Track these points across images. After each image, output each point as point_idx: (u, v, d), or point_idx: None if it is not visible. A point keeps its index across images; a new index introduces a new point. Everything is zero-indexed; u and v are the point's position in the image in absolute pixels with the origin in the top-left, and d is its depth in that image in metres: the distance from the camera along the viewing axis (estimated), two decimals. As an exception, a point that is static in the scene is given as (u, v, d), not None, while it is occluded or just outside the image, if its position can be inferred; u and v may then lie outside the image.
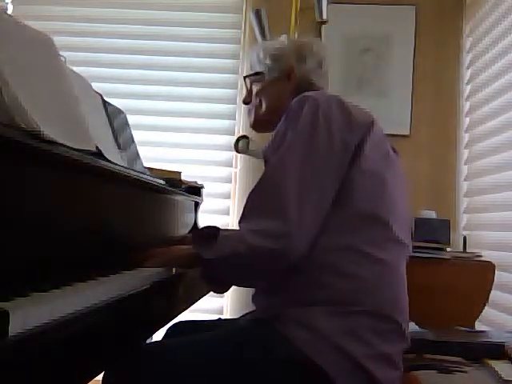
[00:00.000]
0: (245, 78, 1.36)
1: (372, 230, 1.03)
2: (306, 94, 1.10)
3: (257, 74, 1.32)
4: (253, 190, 1.05)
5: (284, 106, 1.16)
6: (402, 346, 1.04)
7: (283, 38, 1.35)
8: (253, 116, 1.33)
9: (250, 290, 1.16)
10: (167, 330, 1.36)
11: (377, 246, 1.03)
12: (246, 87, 1.36)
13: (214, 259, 1.01)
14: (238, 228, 1.04)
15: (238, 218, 1.05)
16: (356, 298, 0.99)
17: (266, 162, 1.19)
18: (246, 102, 1.35)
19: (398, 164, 1.14)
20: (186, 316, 1.36)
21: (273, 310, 1.03)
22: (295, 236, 0.97)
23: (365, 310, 0.98)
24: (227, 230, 1.09)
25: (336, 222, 1.02)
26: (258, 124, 1.34)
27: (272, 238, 0.96)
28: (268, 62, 1.29)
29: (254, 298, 1.13)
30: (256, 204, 1.04)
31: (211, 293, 1.61)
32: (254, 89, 1.33)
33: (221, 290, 1.16)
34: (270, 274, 1.03)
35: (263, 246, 0.96)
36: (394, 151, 1.16)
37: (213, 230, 1.05)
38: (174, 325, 1.35)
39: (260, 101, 1.31)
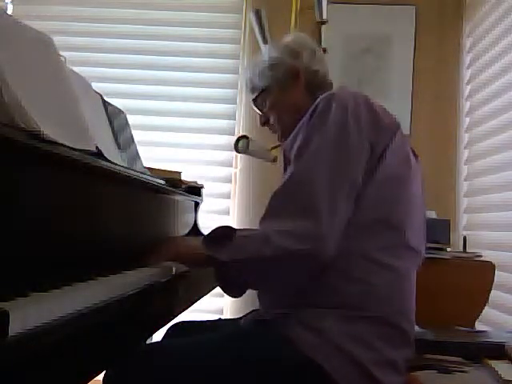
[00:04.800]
0: (253, 100, 1.30)
1: (385, 236, 1.02)
2: (332, 92, 1.08)
3: (264, 90, 1.27)
4: (278, 191, 1.02)
5: (303, 106, 1.15)
6: (408, 352, 1.04)
7: (264, 48, 1.32)
8: (280, 130, 1.27)
9: (251, 290, 1.15)
10: (167, 330, 1.35)
11: (389, 253, 1.01)
12: (258, 109, 1.30)
13: (232, 262, 0.97)
14: (258, 228, 1.00)
15: (260, 219, 1.01)
16: (364, 304, 0.98)
17: (285, 158, 1.16)
18: (263, 123, 1.30)
19: (417, 168, 1.12)
20: (185, 316, 1.36)
21: (277, 310, 1.02)
22: (327, 237, 0.94)
23: (372, 316, 0.97)
24: (244, 229, 1.07)
25: (349, 227, 0.99)
26: (288, 133, 1.19)
27: (302, 239, 0.93)
28: (268, 73, 1.25)
29: (260, 296, 1.12)
30: (283, 204, 1.00)
31: (211, 293, 1.61)
32: (267, 106, 1.27)
33: (237, 293, 1.09)
34: (297, 276, 0.99)
35: (292, 247, 0.93)
36: (414, 154, 1.13)
37: (227, 231, 1.02)
38: (174, 325, 1.35)
39: (279, 113, 1.26)
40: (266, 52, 1.30)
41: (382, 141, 1.02)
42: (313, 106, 1.06)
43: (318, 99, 1.07)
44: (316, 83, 1.23)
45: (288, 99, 1.24)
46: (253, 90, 1.30)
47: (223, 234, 1.02)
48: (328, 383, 0.91)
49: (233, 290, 1.08)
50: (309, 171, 0.99)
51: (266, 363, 0.93)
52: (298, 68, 1.23)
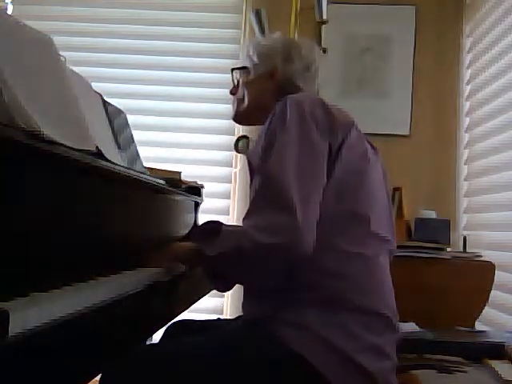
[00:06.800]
0: (232, 70, 1.38)
1: (351, 227, 1.04)
2: (288, 96, 1.10)
3: (243, 68, 1.33)
4: (254, 192, 1.04)
5: (265, 104, 1.20)
6: (393, 336, 1.05)
7: (276, 35, 1.35)
8: (235, 109, 1.35)
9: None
10: (166, 329, 1.35)
11: (356, 243, 1.04)
12: (233, 79, 1.37)
13: (216, 255, 1.00)
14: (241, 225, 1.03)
15: (242, 218, 1.03)
16: (342, 295, 1.00)
17: (250, 165, 1.17)
18: (232, 92, 1.37)
19: (377, 161, 1.16)
20: (185, 316, 1.36)
21: (262, 312, 1.03)
22: (302, 229, 0.95)
23: (352, 305, 0.99)
24: (230, 225, 1.09)
25: (317, 222, 1.01)
26: (239, 116, 1.36)
27: (278, 232, 0.95)
28: (255, 58, 1.30)
29: (243, 307, 1.13)
30: (258, 201, 1.02)
31: (211, 293, 1.61)
32: (241, 81, 1.34)
33: (224, 287, 1.13)
34: (276, 269, 1.01)
35: (268, 241, 0.94)
36: (373, 148, 1.17)
37: (214, 226, 1.05)
38: (172, 324, 1.35)
39: (244, 93, 1.32)
40: (269, 37, 1.34)
41: (337, 138, 1.06)
42: (271, 113, 1.09)
43: (276, 105, 1.09)
44: (288, 92, 1.20)
45: (256, 89, 1.30)
46: (241, 60, 1.37)
47: (211, 229, 1.04)
48: (315, 375, 0.92)
49: (219, 284, 1.10)
50: (278, 168, 1.01)
51: (257, 362, 0.94)
52: (278, 71, 1.27)
